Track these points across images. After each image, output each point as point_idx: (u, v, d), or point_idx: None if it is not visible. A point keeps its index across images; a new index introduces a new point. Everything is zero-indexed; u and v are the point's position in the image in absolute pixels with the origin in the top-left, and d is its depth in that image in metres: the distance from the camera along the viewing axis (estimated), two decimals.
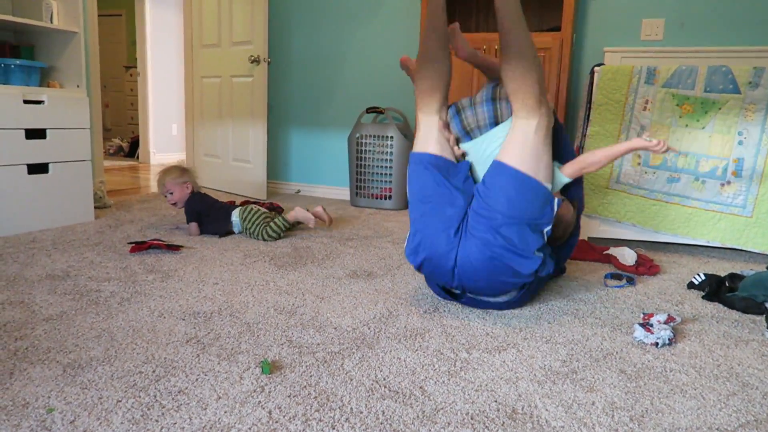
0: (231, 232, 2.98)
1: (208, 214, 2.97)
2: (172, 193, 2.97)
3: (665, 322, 1.79)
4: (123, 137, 7.49)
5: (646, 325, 1.76)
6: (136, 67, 6.86)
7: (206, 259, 2.49)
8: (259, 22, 3.94)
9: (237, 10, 4.12)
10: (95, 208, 3.26)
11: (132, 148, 6.94)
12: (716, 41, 3.33)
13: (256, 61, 3.97)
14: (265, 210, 3.04)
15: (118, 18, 8.03)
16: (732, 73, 2.68)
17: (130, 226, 3.06)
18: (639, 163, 2.84)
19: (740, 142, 2.68)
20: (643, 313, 1.88)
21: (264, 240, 2.88)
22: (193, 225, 2.94)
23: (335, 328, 1.73)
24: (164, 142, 6.57)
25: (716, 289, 2.14)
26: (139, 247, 2.53)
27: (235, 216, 2.97)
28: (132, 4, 6.45)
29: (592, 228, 3.00)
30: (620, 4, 3.54)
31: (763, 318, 1.92)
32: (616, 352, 1.62)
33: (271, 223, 2.90)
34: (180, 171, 3.02)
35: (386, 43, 4.06)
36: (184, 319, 1.76)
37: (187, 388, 1.33)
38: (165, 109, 6.50)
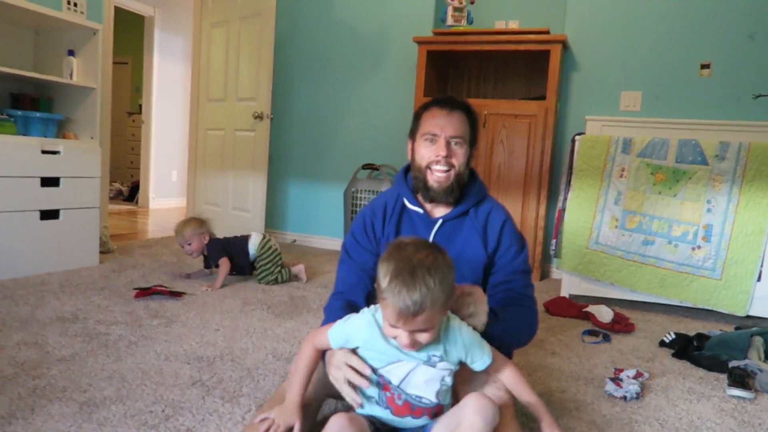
0: (254, 266, 3.18)
1: (230, 253, 3.15)
2: (190, 244, 3.11)
3: (634, 377, 1.94)
4: (123, 181, 7.67)
5: (617, 380, 1.91)
6: (139, 113, 7.11)
7: (207, 305, 2.62)
8: (264, 79, 4.18)
9: (243, 68, 4.37)
10: (99, 252, 3.40)
11: (131, 193, 7.11)
12: (688, 114, 3.60)
13: (259, 117, 4.20)
14: (279, 252, 3.21)
15: (123, 66, 8.35)
16: (700, 146, 2.91)
17: (133, 271, 3.20)
18: (617, 226, 3.04)
19: (709, 210, 2.89)
20: (615, 369, 2.03)
21: (266, 282, 3.07)
22: (225, 259, 3.09)
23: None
24: (163, 188, 6.75)
25: (684, 348, 2.30)
26: (144, 292, 2.67)
27: (254, 239, 3.20)
28: (140, 54, 6.75)
29: (572, 285, 3.17)
30: (601, 76, 3.82)
31: (725, 376, 2.07)
32: (588, 404, 1.77)
33: (282, 271, 3.14)
34: (199, 222, 3.16)
35: (384, 103, 4.31)
36: (188, 363, 1.89)
37: (194, 427, 1.46)
38: (166, 155, 6.71)
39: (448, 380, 1.27)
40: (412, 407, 1.24)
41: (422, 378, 1.24)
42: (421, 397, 1.25)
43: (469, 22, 3.99)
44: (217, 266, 3.12)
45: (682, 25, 3.62)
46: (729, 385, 1.94)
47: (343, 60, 4.47)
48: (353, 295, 1.59)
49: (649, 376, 2.01)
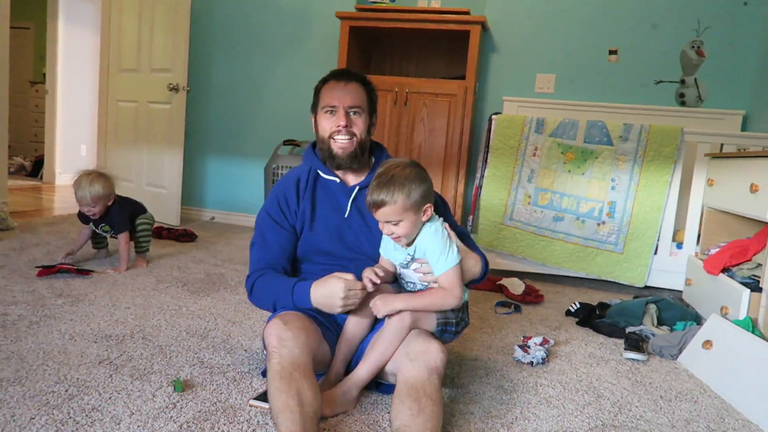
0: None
1: (133, 221, 2.96)
2: (94, 207, 2.82)
3: (541, 344, 2.05)
4: (25, 155, 7.15)
5: (524, 347, 2.01)
6: (43, 83, 6.62)
7: (117, 284, 2.51)
8: (180, 50, 4.01)
9: (157, 37, 4.17)
10: None
11: (35, 168, 6.65)
12: (597, 97, 3.79)
13: (175, 89, 4.02)
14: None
15: (25, 31, 7.73)
16: (606, 128, 3.08)
17: (36, 250, 3.01)
18: (530, 203, 3.17)
19: (613, 188, 3.06)
20: (523, 336, 2.14)
21: (143, 252, 2.98)
22: (127, 235, 2.86)
23: (245, 350, 1.85)
24: (72, 163, 6.34)
25: (588, 316, 2.45)
26: (47, 271, 2.52)
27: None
28: (43, 18, 6.27)
29: (488, 260, 3.27)
30: (518, 58, 3.94)
31: (622, 341, 2.22)
32: (497, 370, 1.85)
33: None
34: (108, 182, 2.86)
35: (306, 78, 4.23)
36: (96, 342, 1.81)
37: (100, 405, 1.40)
38: (74, 128, 6.30)
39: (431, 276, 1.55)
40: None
41: (410, 272, 1.58)
42: (414, 284, 1.59)
43: None
44: (113, 236, 2.90)
45: (594, 12, 3.78)
46: (625, 349, 2.08)
47: (265, 32, 4.36)
48: (276, 268, 1.65)
49: (554, 343, 2.13)
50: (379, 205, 1.46)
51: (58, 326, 1.93)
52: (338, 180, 1.70)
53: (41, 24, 6.60)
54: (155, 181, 4.24)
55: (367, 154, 1.74)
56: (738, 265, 2.25)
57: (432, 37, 4.00)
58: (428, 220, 1.54)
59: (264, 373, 1.53)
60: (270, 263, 1.66)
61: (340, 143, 1.65)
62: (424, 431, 1.26)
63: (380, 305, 1.49)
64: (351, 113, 1.66)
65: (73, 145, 6.34)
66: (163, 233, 3.62)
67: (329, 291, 1.49)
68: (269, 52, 4.36)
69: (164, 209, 4.15)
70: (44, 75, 6.41)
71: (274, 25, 4.33)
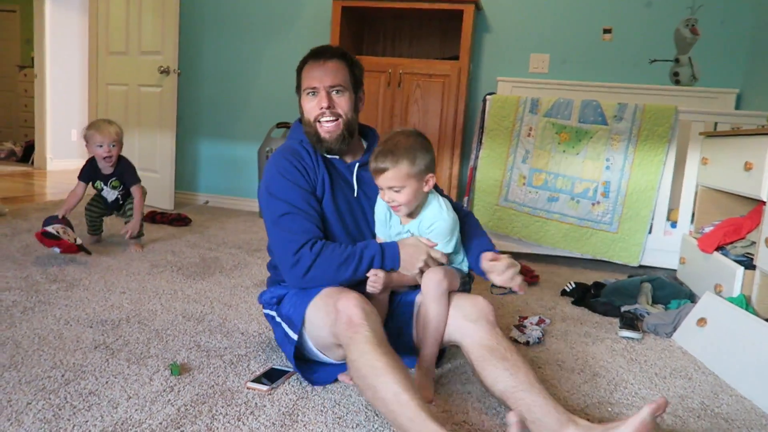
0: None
1: None
2: (114, 146, 2.77)
3: (537, 324, 2.06)
4: (15, 141, 7.08)
5: (521, 327, 2.02)
6: (31, 67, 6.53)
7: (112, 268, 2.50)
8: (169, 32, 3.95)
9: (146, 20, 4.11)
10: None
11: (26, 153, 6.59)
12: (591, 77, 3.77)
13: (165, 71, 3.97)
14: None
15: (11, 14, 7.61)
16: (601, 107, 3.07)
17: (27, 236, 2.98)
18: (524, 183, 3.16)
19: (607, 167, 3.06)
20: (519, 317, 2.14)
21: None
22: (139, 188, 2.90)
23: (242, 333, 1.85)
24: (63, 148, 6.30)
25: (583, 296, 2.46)
26: (50, 242, 2.46)
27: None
28: (29, 1, 6.17)
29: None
30: (512, 38, 3.91)
31: (617, 320, 2.24)
32: None
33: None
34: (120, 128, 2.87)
35: (297, 61, 4.19)
36: (91, 327, 1.81)
37: (97, 389, 1.40)
38: (65, 113, 6.24)
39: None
40: None
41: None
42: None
43: None
44: (126, 193, 2.90)
45: None
46: (620, 327, 2.10)
47: (256, 13, 4.30)
48: (322, 237, 1.54)
49: (550, 323, 2.14)
50: (383, 170, 1.45)
51: (53, 311, 1.92)
52: (338, 157, 1.65)
53: (28, 7, 6.49)
54: (148, 166, 4.20)
55: (357, 134, 1.68)
56: (732, 243, 2.26)
57: (425, 17, 3.96)
58: (431, 195, 1.54)
59: (292, 356, 1.50)
60: (317, 234, 1.51)
61: (326, 127, 1.58)
62: (534, 382, 1.29)
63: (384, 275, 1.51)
64: (333, 93, 1.58)
65: (63, 130, 6.28)
66: (157, 217, 3.60)
67: (415, 249, 1.49)
68: (261, 34, 4.30)
69: (157, 194, 4.12)
70: (32, 59, 6.32)
71: (266, 5, 4.27)
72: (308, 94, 1.60)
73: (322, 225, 1.55)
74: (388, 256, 1.50)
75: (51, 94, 6.09)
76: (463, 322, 1.47)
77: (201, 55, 4.43)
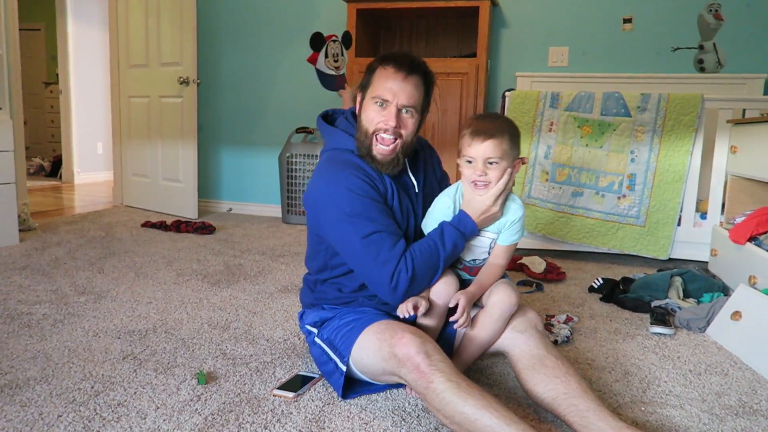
0: None
1: None
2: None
3: (565, 322, 2.02)
4: (44, 156, 7.24)
5: (548, 325, 1.98)
6: (56, 83, 6.67)
7: (138, 278, 2.53)
8: (188, 43, 4.00)
9: (165, 31, 4.16)
10: (19, 231, 3.21)
11: (54, 168, 6.73)
12: (612, 68, 3.70)
13: (185, 82, 4.02)
14: None
15: (36, 33, 7.78)
16: (623, 99, 3.00)
17: (57, 249, 3.04)
18: (547, 179, 3.12)
19: (632, 160, 3.00)
20: (547, 315, 2.11)
21: None
22: None
23: (267, 340, 1.85)
24: (89, 161, 6.42)
25: (611, 292, 2.41)
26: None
27: None
28: (52, 19, 6.30)
29: None
30: (529, 33, 3.86)
31: (648, 316, 2.18)
32: None
33: None
34: None
35: (313, 66, 4.21)
36: (119, 338, 1.83)
37: (126, 400, 1.41)
38: (90, 127, 6.36)
39: (494, 243, 1.52)
40: (470, 270, 1.56)
41: (472, 245, 1.52)
42: (475, 260, 1.55)
43: None
44: None
45: None
46: (651, 323, 2.05)
47: (272, 21, 4.32)
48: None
49: (578, 320, 2.10)
50: (489, 134, 1.39)
51: (82, 324, 1.94)
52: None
53: (51, 25, 6.64)
54: (171, 175, 4.25)
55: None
56: (765, 233, 2.19)
57: (440, 15, 3.94)
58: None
59: (341, 388, 1.43)
60: (403, 247, 1.42)
61: (381, 148, 1.46)
62: (587, 389, 1.29)
63: (468, 307, 1.44)
64: (403, 111, 1.46)
65: (89, 144, 6.41)
66: (182, 227, 3.64)
67: (481, 204, 1.44)
68: (277, 41, 4.33)
69: (181, 203, 4.17)
70: (57, 75, 6.46)
71: (281, 12, 4.29)
72: (376, 103, 1.46)
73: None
74: (462, 226, 1.45)
75: (76, 108, 6.22)
76: (512, 333, 1.47)
77: (219, 64, 4.47)
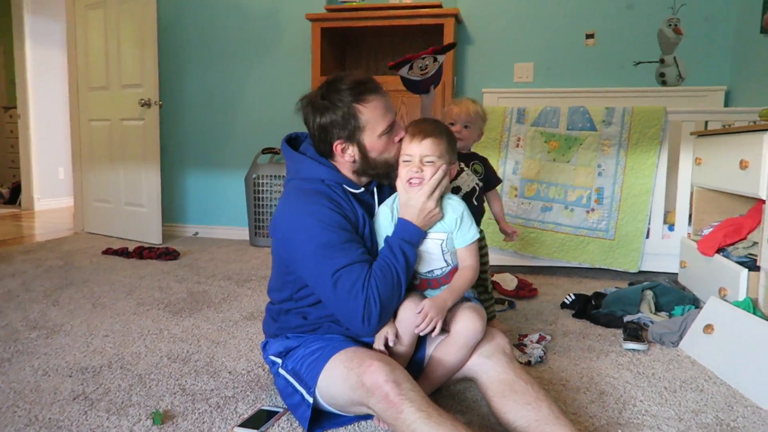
0: None
1: None
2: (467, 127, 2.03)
3: (538, 341, 1.98)
4: (2, 183, 7.00)
5: (521, 345, 1.94)
6: (16, 108, 6.48)
7: (96, 309, 2.41)
8: (149, 64, 3.91)
9: (125, 52, 4.06)
10: None
11: (13, 195, 6.51)
12: (577, 83, 3.72)
13: (147, 104, 3.92)
14: None
15: None
16: (589, 113, 3.02)
17: (11, 281, 2.90)
18: (516, 195, 3.10)
19: (600, 174, 3.00)
20: (519, 335, 2.06)
21: None
22: None
23: (230, 372, 1.76)
24: (50, 187, 6.22)
25: (583, 308, 2.38)
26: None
27: None
28: (10, 41, 6.13)
29: None
30: (495, 49, 3.87)
31: (621, 331, 2.16)
32: None
33: None
34: None
35: (280, 84, 4.16)
36: (71, 376, 1.72)
37: None
38: (50, 151, 6.17)
39: (447, 245, 1.46)
40: (428, 282, 1.49)
41: (423, 254, 1.45)
42: (432, 270, 1.48)
43: None
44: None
45: None
46: (624, 339, 2.02)
47: (235, 41, 4.26)
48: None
49: (551, 339, 2.06)
50: (427, 134, 1.42)
51: (31, 362, 1.83)
52: (362, 189, 1.51)
53: (9, 48, 6.45)
54: (134, 200, 4.13)
55: None
56: (733, 244, 2.19)
57: (406, 33, 3.93)
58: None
59: (307, 421, 1.35)
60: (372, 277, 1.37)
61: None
62: (559, 414, 1.25)
63: (433, 313, 1.35)
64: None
65: (50, 169, 6.22)
66: (145, 253, 3.52)
67: (417, 202, 1.40)
68: (241, 60, 4.26)
69: (145, 228, 4.05)
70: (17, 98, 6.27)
71: (245, 31, 4.23)
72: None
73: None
74: (405, 233, 1.40)
75: (36, 133, 6.03)
76: (479, 359, 1.41)
77: (183, 84, 4.38)
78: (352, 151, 1.46)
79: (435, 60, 1.91)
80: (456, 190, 1.98)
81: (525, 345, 1.94)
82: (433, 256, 1.47)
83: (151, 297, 2.64)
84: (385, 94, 1.49)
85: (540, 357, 1.86)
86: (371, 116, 1.43)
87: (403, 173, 1.44)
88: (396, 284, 1.37)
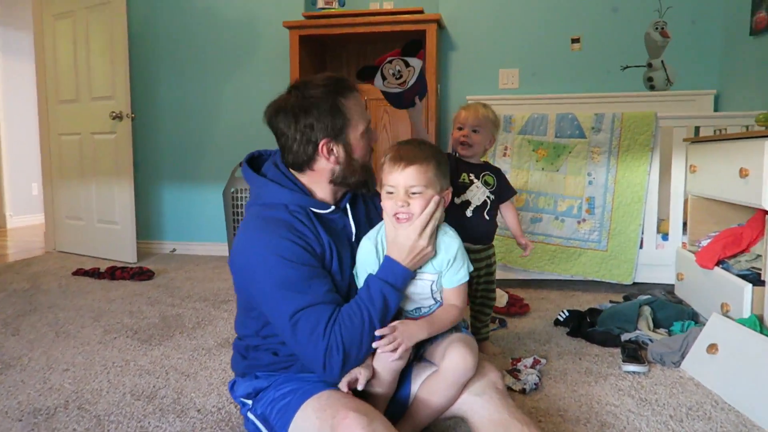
0: None
1: None
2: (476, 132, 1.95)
3: (532, 366, 1.85)
4: None
5: (514, 371, 1.81)
6: None
7: (58, 339, 2.25)
8: (120, 75, 3.75)
9: (96, 64, 3.90)
10: None
11: None
12: (563, 89, 3.62)
13: (118, 117, 3.76)
14: None
15: None
16: (577, 120, 2.91)
17: None
18: None
19: (590, 182, 2.89)
20: (512, 358, 1.93)
21: None
22: None
23: (198, 411, 1.61)
24: (23, 204, 6.01)
25: (578, 325, 2.26)
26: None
27: None
28: None
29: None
30: (479, 55, 3.77)
31: (619, 350, 2.04)
32: None
33: None
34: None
35: (257, 95, 4.01)
36: (21, 420, 1.56)
37: None
38: (23, 167, 5.96)
39: (438, 285, 1.32)
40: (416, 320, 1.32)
41: (410, 294, 1.32)
42: (419, 308, 1.35)
43: (341, 4, 3.79)
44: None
45: (552, 1, 3.63)
46: (623, 361, 1.89)
47: (210, 50, 4.11)
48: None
49: (546, 362, 1.93)
50: (411, 160, 1.24)
51: None
52: (332, 207, 1.35)
53: None
54: (107, 217, 3.95)
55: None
56: (733, 256, 2.09)
57: (387, 40, 3.81)
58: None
59: None
60: (335, 319, 1.22)
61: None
62: None
63: (400, 335, 1.22)
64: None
65: (23, 185, 6.00)
66: (117, 273, 3.34)
67: (407, 240, 1.24)
68: (217, 70, 4.12)
69: (118, 246, 3.87)
70: None
71: (220, 40, 4.09)
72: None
73: (336, 291, 1.29)
74: (389, 276, 1.24)
75: (7, 147, 5.83)
76: (470, 397, 1.28)
77: (156, 96, 4.22)
78: (337, 152, 1.32)
79: (407, 65, 1.74)
80: (466, 205, 1.87)
81: (519, 370, 1.81)
82: (422, 295, 1.34)
83: (120, 323, 2.47)
84: (360, 91, 1.37)
85: (535, 384, 1.73)
86: (354, 111, 1.32)
87: (388, 206, 1.28)
88: (366, 331, 1.22)
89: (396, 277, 1.25)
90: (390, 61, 1.69)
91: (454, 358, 1.26)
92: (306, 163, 1.33)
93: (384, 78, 1.71)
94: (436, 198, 1.27)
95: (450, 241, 1.32)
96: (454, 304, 1.33)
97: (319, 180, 1.35)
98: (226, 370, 1.92)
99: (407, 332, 1.23)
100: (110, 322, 2.48)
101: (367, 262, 1.32)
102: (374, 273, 1.28)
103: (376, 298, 1.23)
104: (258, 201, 1.35)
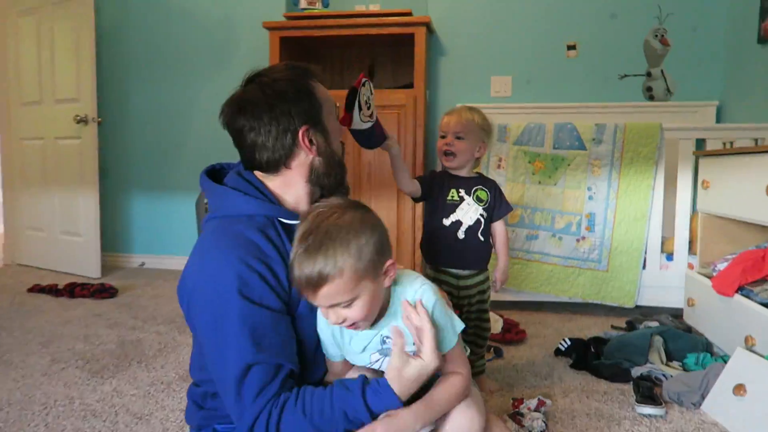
0: None
1: None
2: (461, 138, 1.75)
3: (536, 408, 1.63)
4: None
5: (517, 415, 1.58)
6: None
7: (0, 368, 1.98)
8: (85, 77, 3.49)
9: (60, 63, 3.64)
10: None
11: None
12: (559, 97, 3.44)
13: (83, 120, 3.49)
14: None
15: None
16: (577, 130, 2.72)
17: None
18: None
19: (590, 197, 2.70)
20: (513, 400, 1.70)
21: None
22: None
23: None
24: None
25: (583, 356, 2.04)
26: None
27: None
28: None
29: None
30: (470, 61, 3.57)
31: (630, 386, 1.82)
32: None
33: None
34: None
35: None
36: None
37: None
38: None
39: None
40: None
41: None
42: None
43: (325, 5, 3.58)
44: None
45: (547, 6, 3.45)
46: (637, 402, 1.68)
47: (185, 51, 3.86)
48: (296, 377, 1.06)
49: (551, 404, 1.71)
50: (317, 283, 0.95)
51: None
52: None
53: None
54: (70, 228, 3.67)
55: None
56: (755, 282, 1.89)
57: (374, 43, 3.61)
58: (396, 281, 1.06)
59: None
60: (288, 387, 1.02)
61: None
62: None
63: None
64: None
65: None
66: (76, 290, 3.06)
67: (424, 370, 0.99)
68: (192, 72, 3.87)
69: (82, 260, 3.59)
70: None
71: (196, 41, 3.84)
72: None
73: (297, 347, 1.07)
74: (375, 405, 0.98)
75: None
76: None
77: (127, 99, 3.96)
78: (317, 141, 1.16)
79: (372, 92, 1.48)
80: (457, 225, 1.66)
81: (522, 414, 1.58)
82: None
83: (71, 350, 2.20)
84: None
85: (541, 430, 1.51)
86: (322, 96, 1.18)
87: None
88: None
89: (379, 407, 0.99)
90: (364, 83, 1.41)
91: (458, 419, 1.02)
92: (284, 159, 1.14)
93: (360, 108, 1.44)
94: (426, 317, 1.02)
95: (408, 297, 1.05)
96: (456, 371, 1.08)
97: (294, 181, 1.16)
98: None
99: (394, 429, 0.97)
100: (60, 349, 2.21)
101: (326, 339, 1.12)
102: (338, 355, 1.12)
103: (350, 415, 0.98)
104: (218, 213, 1.12)
